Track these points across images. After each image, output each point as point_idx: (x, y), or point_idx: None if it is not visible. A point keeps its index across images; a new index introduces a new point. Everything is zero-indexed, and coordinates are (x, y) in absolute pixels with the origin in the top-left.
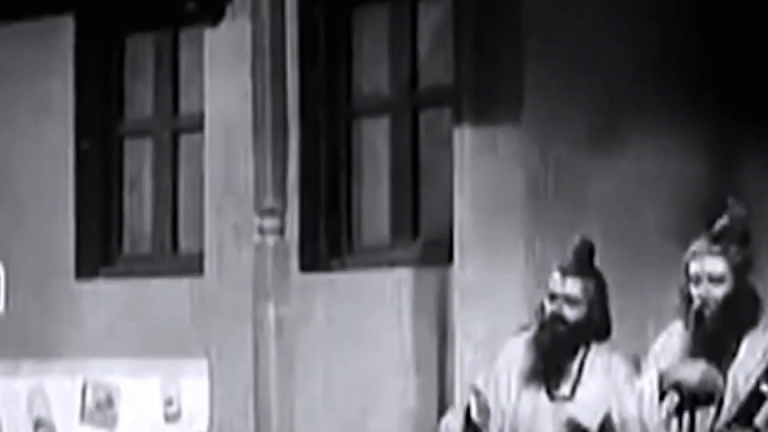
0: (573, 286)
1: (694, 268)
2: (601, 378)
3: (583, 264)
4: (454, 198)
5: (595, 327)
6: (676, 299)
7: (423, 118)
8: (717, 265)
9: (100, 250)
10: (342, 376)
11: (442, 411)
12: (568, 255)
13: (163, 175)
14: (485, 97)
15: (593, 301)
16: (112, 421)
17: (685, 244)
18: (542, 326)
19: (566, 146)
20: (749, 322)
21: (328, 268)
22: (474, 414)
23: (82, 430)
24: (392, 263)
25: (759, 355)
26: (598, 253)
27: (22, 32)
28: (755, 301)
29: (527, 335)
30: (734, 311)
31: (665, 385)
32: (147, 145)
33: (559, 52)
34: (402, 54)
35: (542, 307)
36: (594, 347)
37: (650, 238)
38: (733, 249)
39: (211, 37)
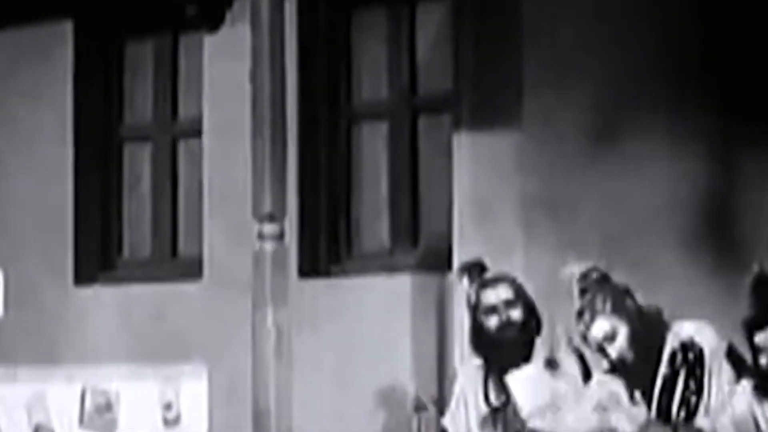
0: (506, 292)
1: (591, 344)
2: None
3: (495, 274)
4: (453, 204)
5: (536, 323)
6: (673, 302)
7: (422, 123)
8: (602, 326)
9: (99, 255)
10: (341, 382)
11: (440, 416)
12: (477, 272)
13: (163, 180)
14: (484, 102)
15: (525, 301)
16: (111, 426)
17: (683, 246)
18: (492, 338)
19: (565, 152)
20: (660, 334)
21: (327, 274)
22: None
23: None
24: (391, 269)
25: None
26: (596, 257)
27: (22, 37)
28: (654, 316)
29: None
30: (642, 341)
31: None
32: (146, 150)
33: (558, 57)
34: (401, 59)
35: (475, 327)
36: (537, 343)
37: (649, 241)
38: (599, 303)
39: (211, 42)
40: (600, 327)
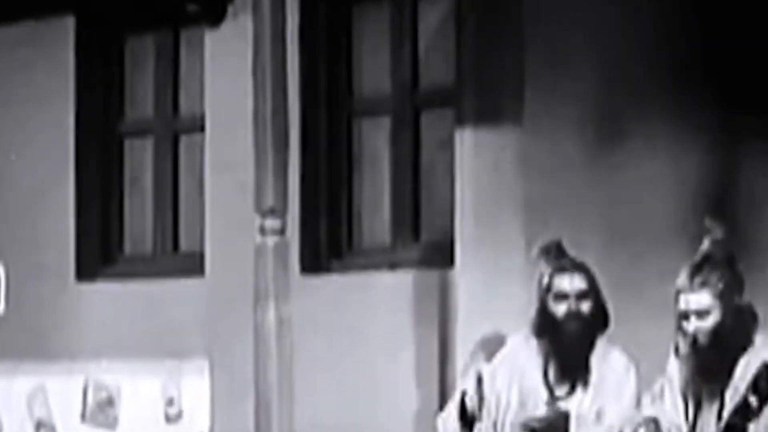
0: (581, 282)
1: (681, 305)
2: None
3: (573, 261)
4: (455, 199)
5: (603, 318)
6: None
7: (424, 118)
8: (701, 299)
9: (100, 250)
10: (342, 378)
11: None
12: (555, 255)
13: (164, 175)
14: (486, 97)
15: (596, 291)
16: (113, 422)
17: (688, 242)
18: (557, 325)
19: (568, 147)
20: (744, 341)
21: (328, 269)
22: (470, 402)
23: (83, 431)
24: (393, 265)
25: (754, 369)
26: (599, 253)
27: (23, 32)
28: (747, 320)
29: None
30: (726, 336)
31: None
32: (148, 145)
33: (560, 52)
34: (403, 54)
35: (542, 309)
36: (599, 341)
37: (652, 237)
38: (714, 277)
39: (212, 37)
40: (700, 300)
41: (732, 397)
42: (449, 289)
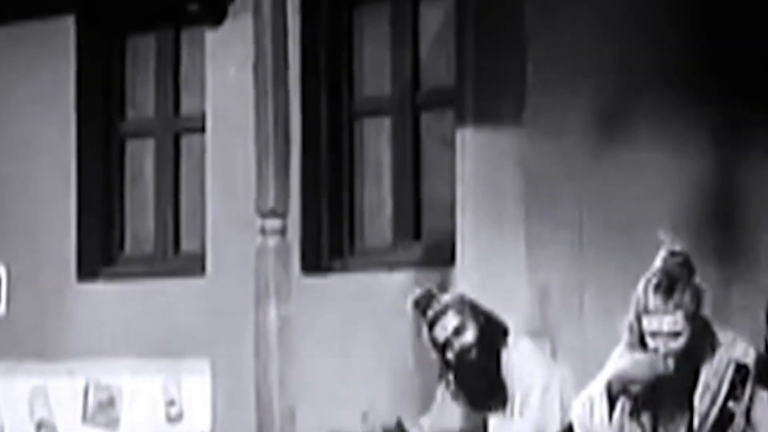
0: (453, 319)
1: (650, 324)
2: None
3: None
4: (455, 199)
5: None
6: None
7: (425, 119)
8: (675, 321)
9: (101, 250)
10: (343, 377)
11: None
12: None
13: (165, 176)
14: (487, 98)
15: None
16: (114, 422)
17: (688, 240)
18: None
19: (568, 147)
20: (708, 352)
21: (329, 270)
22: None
23: (84, 431)
24: (394, 265)
25: (720, 375)
26: (599, 252)
27: (24, 32)
28: (709, 334)
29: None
30: (693, 352)
31: (614, 392)
32: (148, 146)
33: (560, 52)
34: (403, 55)
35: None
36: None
37: (654, 236)
38: (687, 298)
39: (213, 37)
40: (674, 321)
41: (701, 398)
42: (450, 289)
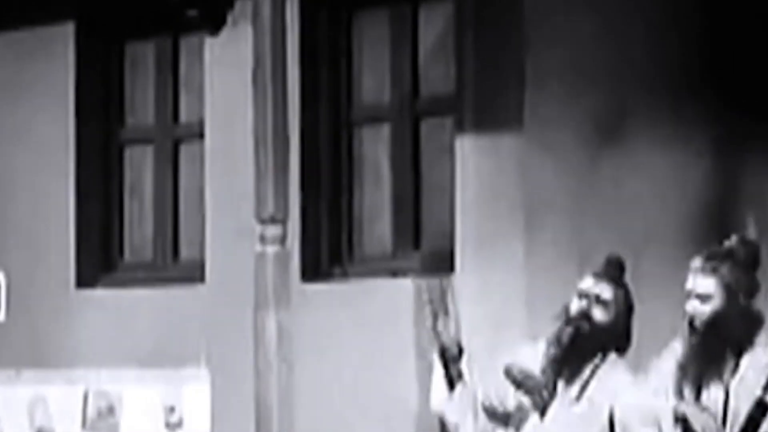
0: (605, 290)
1: (688, 284)
2: (606, 387)
3: (615, 275)
4: (455, 206)
5: (617, 337)
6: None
7: (424, 126)
8: (706, 284)
9: (100, 258)
10: (342, 385)
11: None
12: (602, 265)
13: (164, 183)
14: (486, 104)
15: (620, 312)
16: (113, 430)
17: (692, 243)
18: (567, 322)
19: (568, 153)
20: (744, 340)
21: (329, 277)
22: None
23: None
24: (394, 272)
25: (759, 370)
26: (599, 258)
27: (23, 39)
28: (751, 320)
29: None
30: (721, 327)
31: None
32: (148, 153)
33: (560, 59)
34: (403, 62)
35: (567, 308)
36: (610, 357)
37: (654, 240)
38: (725, 268)
39: (212, 44)
40: (705, 284)
41: (737, 395)
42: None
